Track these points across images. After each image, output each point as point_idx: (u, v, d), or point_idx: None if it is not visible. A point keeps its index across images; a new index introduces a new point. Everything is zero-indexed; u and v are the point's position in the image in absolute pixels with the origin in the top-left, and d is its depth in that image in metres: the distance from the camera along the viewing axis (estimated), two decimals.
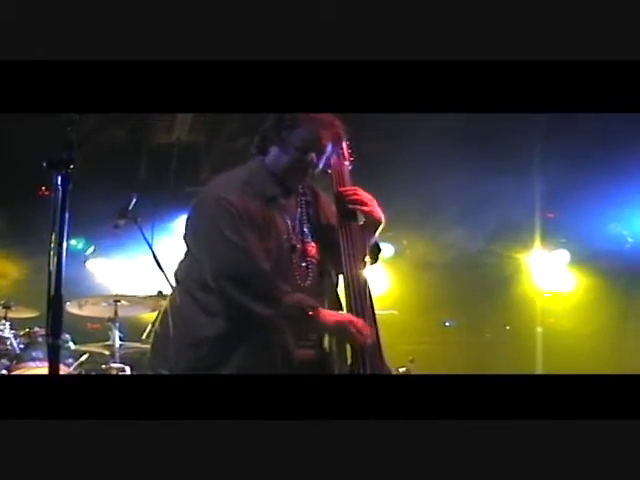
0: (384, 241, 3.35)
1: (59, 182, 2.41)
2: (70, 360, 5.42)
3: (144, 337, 5.59)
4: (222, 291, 2.89)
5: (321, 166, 3.04)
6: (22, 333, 5.48)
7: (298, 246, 3.05)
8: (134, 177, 8.12)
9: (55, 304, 2.34)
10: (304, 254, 3.06)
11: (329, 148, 3.03)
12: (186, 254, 3.08)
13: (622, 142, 6.61)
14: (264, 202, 2.99)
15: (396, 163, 6.93)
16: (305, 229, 3.11)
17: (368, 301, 3.02)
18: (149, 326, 5.45)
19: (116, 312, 5.61)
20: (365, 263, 3.15)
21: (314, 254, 3.09)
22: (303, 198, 3.15)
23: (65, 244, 2.38)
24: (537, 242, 8.35)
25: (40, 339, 5.37)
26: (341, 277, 3.11)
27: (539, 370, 8.28)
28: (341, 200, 3.15)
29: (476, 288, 8.47)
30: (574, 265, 8.47)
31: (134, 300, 5.75)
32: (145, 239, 5.00)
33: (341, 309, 3.07)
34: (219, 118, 7.64)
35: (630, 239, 8.09)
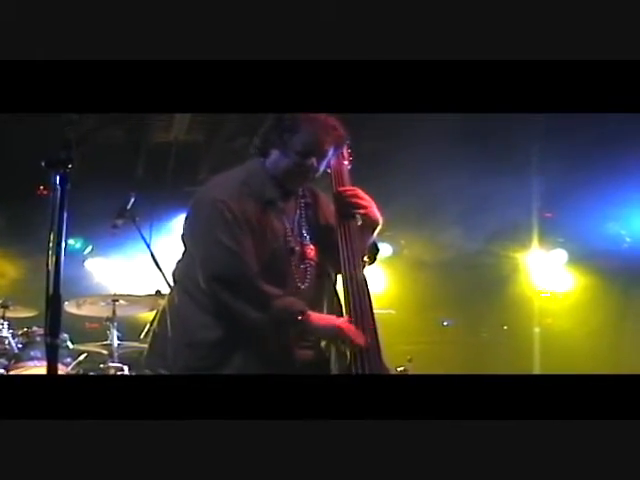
0: (382, 241, 3.35)
1: (57, 181, 2.41)
2: (68, 359, 5.42)
3: (142, 336, 5.58)
4: (213, 293, 2.90)
5: (322, 170, 3.05)
6: (20, 332, 5.48)
7: (297, 248, 3.05)
8: (132, 176, 8.12)
9: (54, 303, 2.33)
10: (303, 256, 3.06)
11: (330, 152, 3.02)
12: (184, 254, 3.09)
13: (620, 142, 6.60)
14: (262, 204, 2.99)
15: (395, 163, 6.94)
16: (304, 231, 3.11)
17: (367, 301, 3.03)
18: (147, 325, 5.45)
19: (114, 311, 5.61)
20: (364, 264, 3.15)
21: (313, 256, 3.09)
22: (302, 200, 3.15)
23: (63, 243, 2.38)
24: (535, 242, 8.35)
25: (38, 338, 5.37)
26: (340, 278, 3.11)
27: (537, 370, 8.28)
28: (340, 200, 3.15)
29: (474, 288, 8.46)
30: (572, 265, 8.47)
31: (132, 299, 5.74)
32: (143, 238, 4.99)
33: (340, 310, 3.07)
34: (217, 118, 7.63)
35: (628, 238, 8.09)
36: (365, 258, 3.20)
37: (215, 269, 2.90)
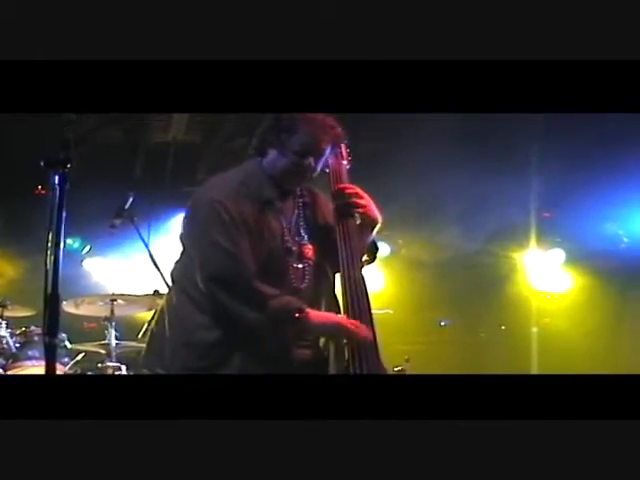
0: (380, 240, 3.35)
1: (56, 181, 2.41)
2: (66, 359, 5.43)
3: (140, 336, 5.59)
4: (210, 294, 2.90)
5: (319, 169, 3.05)
6: (18, 332, 5.49)
7: (294, 248, 3.05)
8: (130, 176, 8.12)
9: (52, 303, 2.33)
10: (301, 256, 3.06)
11: (328, 152, 3.03)
12: (182, 254, 3.09)
13: (619, 142, 6.61)
14: (259, 204, 2.99)
15: (393, 163, 6.94)
16: (302, 231, 3.11)
17: (365, 301, 3.03)
18: (145, 325, 5.45)
19: (112, 311, 5.61)
20: (363, 263, 3.16)
21: (311, 256, 3.09)
22: (300, 200, 3.15)
23: (62, 243, 2.38)
24: (533, 242, 8.36)
25: (36, 338, 5.38)
26: (338, 278, 3.12)
27: (534, 370, 8.29)
28: (339, 199, 3.16)
29: (471, 287, 8.47)
30: (569, 265, 8.48)
31: (130, 299, 5.74)
32: (141, 238, 4.99)
33: (339, 310, 3.07)
34: (216, 118, 7.64)
35: (625, 239, 8.09)
36: (365, 257, 3.21)
37: (212, 269, 2.90)
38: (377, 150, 6.80)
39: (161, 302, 3.28)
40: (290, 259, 3.03)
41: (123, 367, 5.41)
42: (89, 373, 5.49)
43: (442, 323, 8.48)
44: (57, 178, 2.40)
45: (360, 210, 3.14)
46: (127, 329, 5.94)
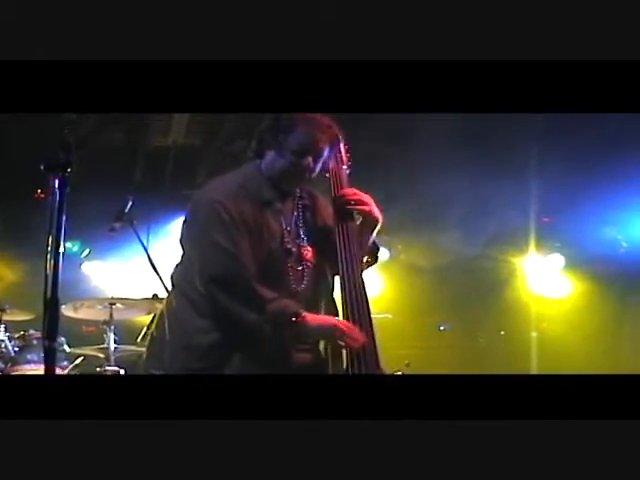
0: (379, 244, 3.35)
1: (56, 185, 2.40)
2: (65, 363, 5.42)
3: (139, 340, 5.59)
4: (210, 295, 2.90)
5: (318, 170, 3.05)
6: (17, 336, 5.48)
7: (294, 250, 3.05)
8: (130, 180, 8.12)
9: (51, 307, 2.33)
10: (300, 258, 3.06)
11: (326, 152, 3.03)
12: (182, 257, 3.09)
13: (618, 145, 6.62)
14: (259, 206, 2.99)
15: (392, 166, 6.95)
16: (301, 233, 3.11)
17: (364, 305, 3.03)
18: (144, 329, 5.45)
19: (111, 315, 5.61)
20: (363, 266, 3.16)
21: (310, 258, 3.09)
22: (300, 202, 3.15)
23: (62, 247, 2.38)
24: (532, 246, 8.35)
25: (35, 342, 5.38)
26: (337, 280, 3.12)
27: (534, 373, 8.27)
28: (339, 201, 3.16)
29: (471, 292, 8.47)
30: (569, 269, 8.48)
31: (129, 303, 5.74)
32: (141, 242, 4.98)
33: (337, 312, 3.07)
34: (215, 121, 7.64)
35: (625, 244, 8.09)
36: (366, 258, 3.21)
37: (212, 271, 2.90)
38: (376, 153, 6.79)
39: (160, 306, 3.28)
40: (289, 261, 3.03)
41: (122, 371, 5.41)
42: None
43: (441, 328, 8.48)
44: (57, 182, 2.40)
45: (362, 208, 3.14)
46: (126, 333, 5.94)
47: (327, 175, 3.18)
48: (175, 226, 7.45)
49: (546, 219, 8.16)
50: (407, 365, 4.98)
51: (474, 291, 8.48)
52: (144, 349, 3.29)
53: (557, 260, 8.48)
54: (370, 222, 3.17)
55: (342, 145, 3.23)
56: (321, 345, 3.06)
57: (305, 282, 3.05)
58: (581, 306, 8.34)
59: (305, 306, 2.95)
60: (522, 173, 7.31)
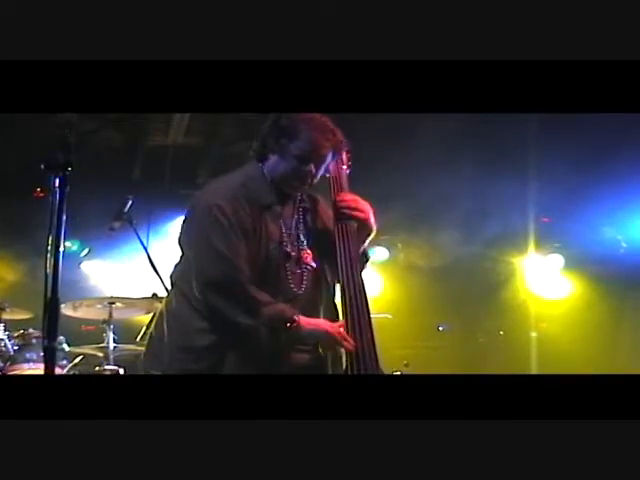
0: (379, 245, 3.35)
1: (56, 184, 2.40)
2: (64, 362, 5.41)
3: (138, 339, 5.59)
4: (206, 299, 2.90)
5: (320, 175, 3.05)
6: (16, 335, 5.47)
7: (293, 253, 3.04)
8: (130, 179, 8.12)
9: (51, 306, 2.33)
10: (299, 261, 3.06)
11: (329, 158, 3.03)
12: (181, 257, 3.09)
13: (619, 145, 6.62)
14: (258, 208, 2.99)
15: (392, 166, 6.94)
16: (301, 236, 3.11)
17: (364, 307, 3.02)
18: (143, 328, 5.45)
19: (111, 314, 5.60)
20: (361, 268, 3.15)
21: (309, 261, 3.08)
22: (300, 205, 3.15)
23: (62, 246, 2.38)
24: (532, 246, 8.35)
25: (34, 341, 5.36)
26: (337, 283, 3.11)
27: (533, 373, 8.27)
28: (338, 205, 3.15)
29: (470, 292, 8.46)
30: (568, 270, 8.47)
31: (129, 302, 5.73)
32: (140, 241, 4.99)
33: (337, 315, 3.07)
34: (216, 121, 7.64)
35: (624, 244, 8.09)
36: None
37: (208, 274, 2.90)
38: (376, 153, 6.79)
39: (160, 305, 3.27)
40: (289, 264, 3.03)
41: (121, 370, 5.41)
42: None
43: (440, 328, 8.47)
44: (57, 181, 2.40)
45: (358, 215, 3.13)
46: (125, 332, 5.93)
47: (327, 175, 3.18)
48: (175, 225, 7.45)
49: (546, 219, 8.16)
50: (406, 365, 4.99)
51: (473, 291, 8.47)
52: (143, 348, 3.28)
53: (557, 260, 8.48)
54: (364, 230, 3.17)
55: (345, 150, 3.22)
56: (320, 346, 3.06)
57: (305, 285, 3.05)
58: (580, 306, 8.33)
59: (305, 309, 2.96)
60: (522, 173, 7.30)
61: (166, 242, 7.01)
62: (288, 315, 2.87)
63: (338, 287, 3.11)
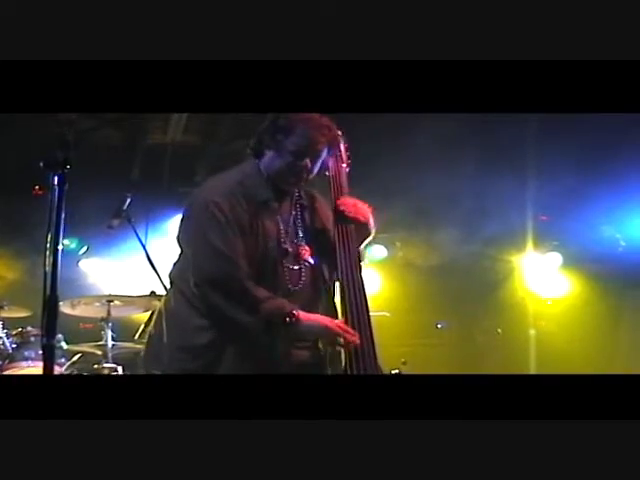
0: (377, 243, 3.36)
1: (55, 182, 2.40)
2: (62, 360, 5.42)
3: (136, 337, 5.59)
4: (203, 295, 2.90)
5: (316, 170, 3.05)
6: (14, 333, 5.47)
7: (290, 250, 3.05)
8: (128, 177, 8.12)
9: (50, 304, 2.33)
10: (297, 257, 3.06)
11: (324, 153, 3.03)
12: (180, 255, 3.09)
13: (616, 145, 6.62)
14: (255, 205, 2.99)
15: (392, 164, 6.94)
16: (299, 232, 3.11)
17: (363, 305, 3.03)
18: (142, 326, 5.45)
19: (109, 312, 5.60)
20: (361, 266, 3.16)
21: (307, 257, 3.09)
22: (298, 202, 3.15)
23: (60, 245, 2.38)
24: (530, 245, 8.35)
25: (32, 339, 5.37)
26: (336, 281, 3.12)
27: (532, 373, 8.28)
28: (338, 208, 3.16)
29: (468, 290, 8.47)
30: (567, 268, 8.48)
31: (127, 300, 5.73)
32: (139, 239, 4.99)
33: (336, 312, 3.07)
34: (214, 119, 7.64)
35: (623, 242, 8.09)
36: None
37: (205, 271, 2.90)
38: (375, 152, 6.79)
39: (158, 304, 3.27)
40: (286, 260, 3.03)
41: (119, 368, 5.40)
42: (85, 374, 5.48)
43: (439, 326, 8.47)
44: (56, 179, 2.40)
45: (357, 217, 3.14)
46: (123, 330, 5.93)
47: (327, 174, 3.18)
48: (173, 224, 7.46)
49: (544, 217, 8.16)
50: (404, 363, 4.98)
51: (472, 289, 8.48)
52: (142, 346, 3.28)
53: (555, 259, 8.48)
54: (362, 232, 3.18)
55: (342, 144, 3.23)
56: (319, 343, 3.07)
57: (302, 281, 3.06)
58: (579, 304, 8.34)
59: (303, 306, 2.96)
60: (520, 172, 7.31)
61: (164, 240, 7.01)
62: (287, 310, 2.87)
63: (337, 285, 3.12)
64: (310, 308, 3.01)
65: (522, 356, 8.44)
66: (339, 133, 3.09)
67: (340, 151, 3.23)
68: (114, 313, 5.66)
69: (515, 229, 8.02)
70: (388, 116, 5.53)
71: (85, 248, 7.46)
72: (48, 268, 2.34)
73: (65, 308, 5.45)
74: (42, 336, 2.35)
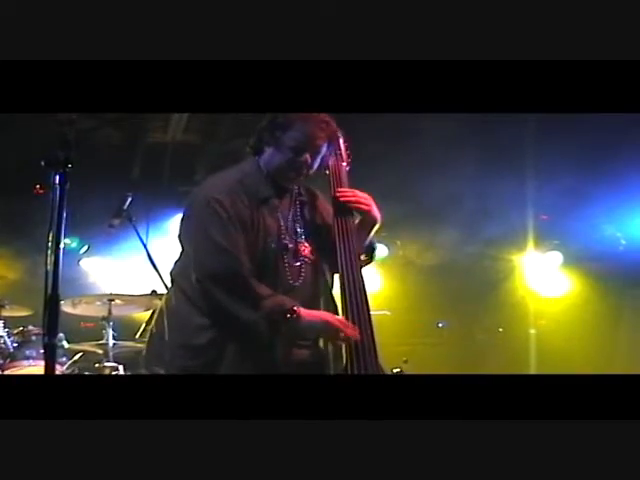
0: (378, 242, 3.36)
1: (57, 181, 2.40)
2: (64, 359, 5.42)
3: (138, 336, 5.60)
4: (205, 292, 2.91)
5: (315, 166, 3.06)
6: (16, 332, 5.48)
7: (290, 246, 3.05)
8: (129, 176, 8.12)
9: (52, 304, 2.33)
10: (297, 254, 3.07)
11: (324, 148, 3.04)
12: (181, 254, 3.10)
13: (616, 144, 6.62)
14: (256, 202, 3.00)
15: (392, 164, 6.95)
16: (299, 229, 3.12)
17: (364, 301, 3.03)
18: (143, 325, 5.46)
19: (110, 311, 5.61)
20: (361, 263, 3.16)
21: (307, 254, 3.09)
22: (298, 198, 3.16)
23: (62, 243, 2.38)
24: (530, 244, 8.35)
25: (34, 338, 5.38)
26: (337, 277, 3.12)
27: (532, 372, 8.28)
28: (338, 199, 3.16)
29: (469, 289, 8.46)
30: (567, 267, 8.47)
31: (128, 299, 5.74)
32: (140, 238, 4.99)
33: (336, 308, 3.08)
34: (214, 119, 7.64)
35: (623, 241, 8.09)
36: (363, 257, 3.22)
37: (207, 267, 2.91)
38: (376, 151, 6.80)
39: (160, 303, 3.28)
40: (286, 256, 3.04)
41: (120, 367, 5.41)
42: (86, 373, 5.49)
43: (440, 325, 8.48)
44: (58, 178, 2.40)
45: (363, 207, 3.15)
46: (125, 329, 5.94)
47: (327, 172, 3.19)
48: (174, 222, 7.47)
49: (544, 217, 8.16)
50: (405, 362, 4.97)
51: (473, 288, 8.47)
52: (143, 345, 3.29)
53: (555, 257, 8.48)
54: (369, 221, 3.19)
55: (342, 142, 3.24)
56: (320, 342, 3.07)
57: (302, 278, 3.06)
58: (579, 303, 8.33)
59: (303, 302, 2.96)
60: (521, 172, 7.31)
61: (165, 239, 7.02)
62: (288, 306, 2.88)
63: (337, 282, 3.12)
64: (310, 304, 3.01)
65: (522, 355, 8.44)
66: (337, 128, 3.08)
67: (340, 150, 3.23)
68: (115, 312, 5.66)
69: (516, 228, 8.02)
70: (388, 116, 5.53)
71: (86, 247, 7.45)
72: (49, 267, 2.34)
73: (66, 307, 5.46)
74: (43, 335, 2.35)
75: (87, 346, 5.68)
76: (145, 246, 4.93)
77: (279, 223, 3.05)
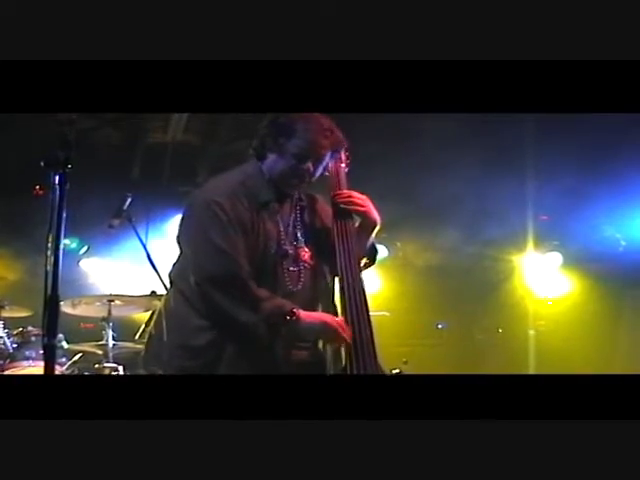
0: (378, 243, 3.35)
1: (56, 181, 2.40)
2: (63, 359, 5.42)
3: (137, 337, 5.60)
4: (204, 294, 2.91)
5: (318, 174, 3.05)
6: (15, 332, 5.48)
7: (290, 251, 3.05)
8: (129, 177, 8.12)
9: (51, 304, 2.33)
10: (296, 259, 3.06)
11: (327, 156, 3.03)
12: (180, 255, 3.09)
13: (616, 144, 6.63)
14: (256, 206, 2.99)
15: (392, 165, 6.95)
16: (299, 234, 3.11)
17: (363, 305, 3.03)
18: (142, 326, 5.46)
19: (110, 312, 5.60)
20: (360, 266, 3.16)
21: (307, 259, 3.09)
22: (298, 203, 3.15)
23: (62, 244, 2.38)
24: (530, 244, 8.35)
25: (33, 338, 5.38)
26: (336, 280, 3.12)
27: (531, 372, 8.28)
28: (336, 201, 3.16)
29: (469, 290, 8.47)
30: (567, 268, 8.48)
31: (128, 300, 5.74)
32: (139, 239, 4.98)
33: (336, 313, 3.08)
34: (214, 119, 7.64)
35: (623, 242, 8.09)
36: (364, 260, 3.22)
37: (207, 269, 2.90)
38: (375, 152, 6.81)
39: (159, 303, 3.27)
40: (286, 261, 3.03)
41: (120, 368, 5.41)
42: (86, 374, 5.49)
43: (439, 326, 8.49)
44: (57, 178, 2.40)
45: (359, 209, 3.15)
46: (124, 330, 5.93)
47: (326, 174, 3.19)
48: (174, 223, 7.46)
49: (544, 217, 8.16)
50: (405, 363, 4.98)
51: (472, 289, 8.48)
52: (142, 346, 3.28)
53: (555, 258, 8.48)
54: (368, 224, 3.18)
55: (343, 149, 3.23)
56: (319, 343, 3.07)
57: (301, 283, 3.05)
58: (579, 304, 8.34)
59: (302, 306, 2.95)
60: (521, 172, 7.31)
61: (165, 240, 7.01)
62: (287, 308, 2.87)
63: (337, 286, 3.12)
64: (310, 309, 3.00)
65: (522, 355, 8.44)
66: (342, 136, 3.07)
67: (340, 152, 3.23)
68: (115, 313, 5.66)
69: (515, 229, 8.02)
70: (388, 116, 5.53)
71: (86, 248, 7.47)
72: (49, 268, 2.34)
73: (66, 308, 5.45)
74: (43, 336, 2.35)
75: (87, 347, 5.68)
76: (145, 247, 4.93)
77: (279, 228, 3.04)
